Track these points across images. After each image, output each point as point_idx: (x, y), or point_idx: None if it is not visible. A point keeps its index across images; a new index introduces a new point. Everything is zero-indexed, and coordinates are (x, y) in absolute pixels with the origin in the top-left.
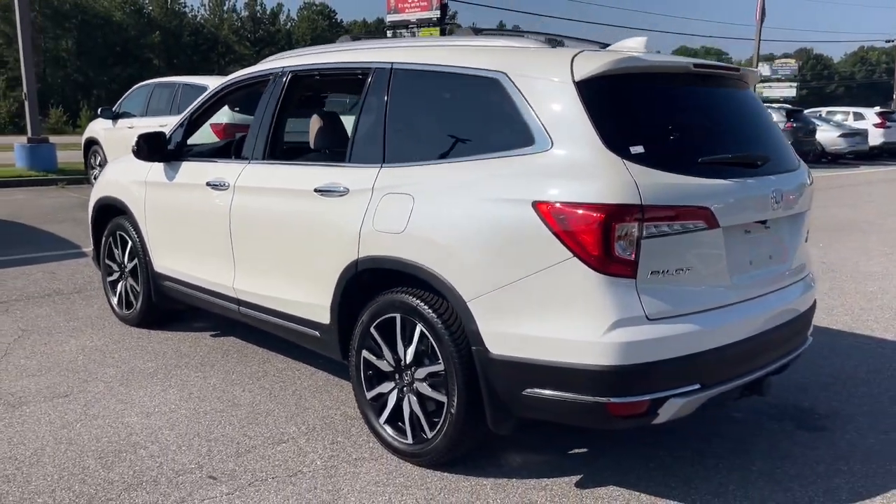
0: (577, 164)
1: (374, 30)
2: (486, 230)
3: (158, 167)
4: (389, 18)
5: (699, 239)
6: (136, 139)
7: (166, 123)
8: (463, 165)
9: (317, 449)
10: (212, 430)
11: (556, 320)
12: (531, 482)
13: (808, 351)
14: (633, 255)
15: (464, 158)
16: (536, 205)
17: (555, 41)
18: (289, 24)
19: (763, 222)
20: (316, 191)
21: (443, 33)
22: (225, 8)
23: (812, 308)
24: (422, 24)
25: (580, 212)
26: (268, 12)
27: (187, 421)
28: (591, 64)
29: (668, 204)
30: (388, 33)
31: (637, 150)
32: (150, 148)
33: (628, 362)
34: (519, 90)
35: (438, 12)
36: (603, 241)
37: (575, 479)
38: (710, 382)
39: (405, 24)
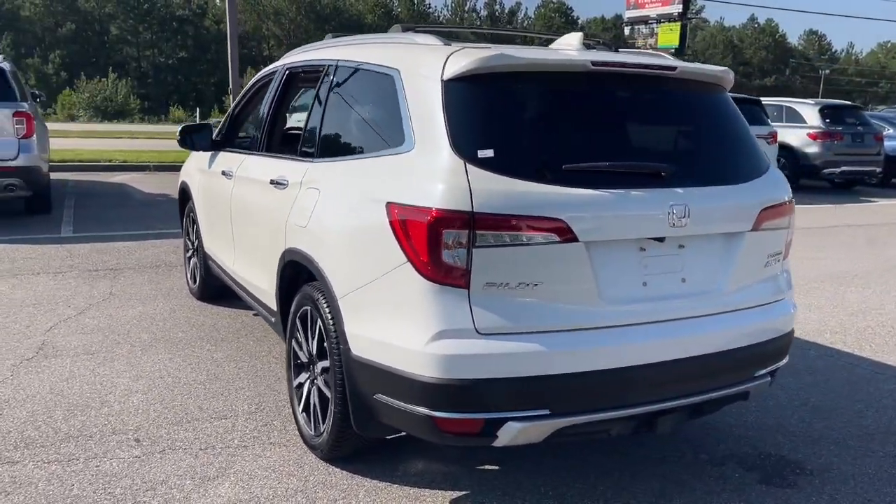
0: (426, 166)
1: (558, 27)
2: (354, 229)
3: (206, 156)
4: (628, 15)
5: (551, 253)
6: (179, 130)
7: None
8: (355, 163)
9: (246, 428)
10: (175, 399)
11: (393, 326)
12: (412, 492)
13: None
14: (465, 265)
15: (358, 156)
16: (388, 206)
17: (447, 39)
18: (525, 22)
19: (660, 239)
20: (270, 182)
21: (684, 30)
22: (466, 7)
23: (767, 343)
24: (662, 19)
25: (414, 216)
26: (506, 11)
27: (163, 388)
28: (461, 62)
29: (508, 213)
30: (626, 30)
31: (485, 154)
32: (189, 138)
33: (451, 376)
34: (403, 87)
35: (680, 7)
36: (431, 247)
37: (458, 495)
38: (564, 410)
39: (644, 20)
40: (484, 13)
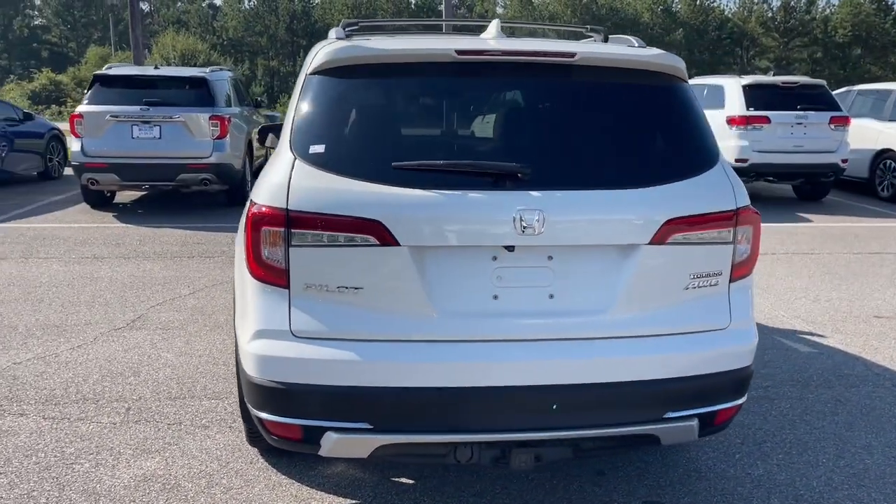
0: (275, 161)
1: None
2: (241, 227)
3: None
4: None
5: (371, 256)
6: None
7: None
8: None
9: (215, 410)
10: (193, 377)
11: (242, 323)
12: (308, 493)
13: None
14: (284, 264)
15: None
16: (249, 202)
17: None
18: (827, 10)
19: (510, 248)
20: None
21: None
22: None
23: (688, 380)
24: None
25: (250, 212)
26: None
27: (193, 367)
28: (320, 56)
29: (323, 212)
30: None
31: (316, 149)
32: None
33: (267, 378)
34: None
35: None
36: (254, 244)
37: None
38: (388, 427)
39: None
40: (776, 3)
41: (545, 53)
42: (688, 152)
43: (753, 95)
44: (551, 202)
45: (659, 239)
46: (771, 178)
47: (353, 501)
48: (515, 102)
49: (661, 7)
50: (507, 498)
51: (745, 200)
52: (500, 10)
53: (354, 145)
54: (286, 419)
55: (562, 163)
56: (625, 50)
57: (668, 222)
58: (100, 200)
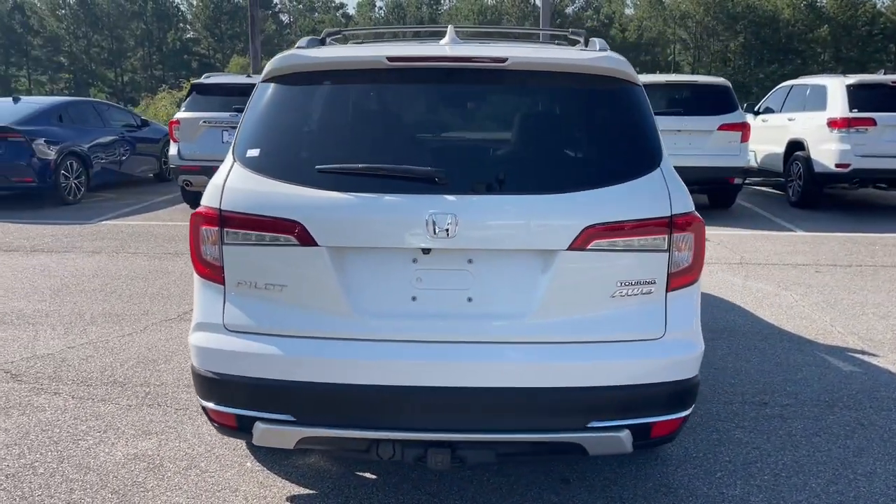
0: (222, 165)
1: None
2: None
3: None
4: None
5: (293, 255)
6: None
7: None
8: None
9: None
10: None
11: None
12: (273, 480)
13: None
14: (219, 262)
15: None
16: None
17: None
18: None
19: (426, 251)
20: None
21: None
22: None
23: (616, 389)
24: None
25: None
26: None
27: None
28: (269, 63)
29: (250, 212)
30: None
31: (252, 153)
32: None
33: (205, 368)
34: None
35: None
36: (194, 242)
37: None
38: (310, 420)
39: None
40: None
41: (475, 59)
42: (620, 157)
43: (858, 96)
44: (465, 206)
45: (579, 245)
46: (882, 185)
47: (312, 491)
48: (444, 107)
49: (805, 2)
50: (461, 500)
51: (683, 207)
52: (628, 12)
53: (285, 149)
54: (223, 408)
55: (482, 167)
56: (562, 54)
57: (588, 228)
58: (197, 200)
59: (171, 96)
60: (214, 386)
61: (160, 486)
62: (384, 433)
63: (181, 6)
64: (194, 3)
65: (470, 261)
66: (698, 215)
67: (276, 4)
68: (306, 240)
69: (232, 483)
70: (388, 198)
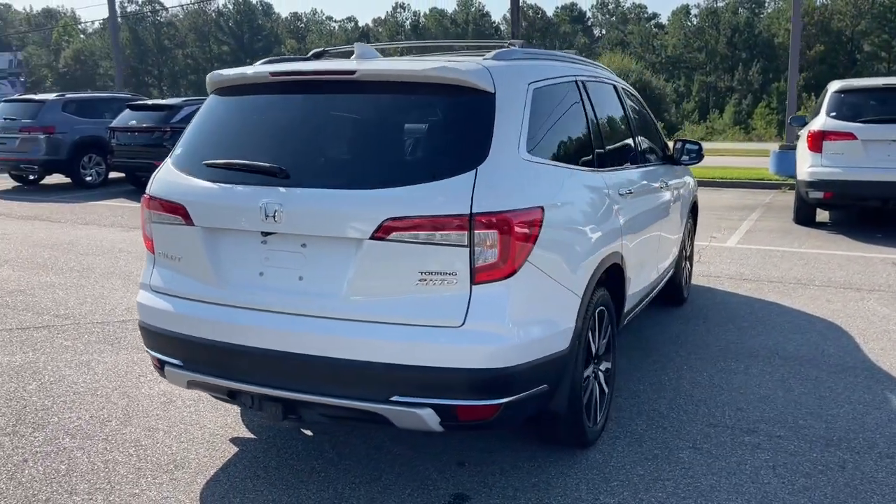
0: None
1: None
2: None
3: None
4: None
5: (180, 232)
6: None
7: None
8: None
9: None
10: None
11: None
12: (203, 425)
13: None
14: (151, 237)
15: None
16: None
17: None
18: None
19: (267, 234)
20: None
21: None
22: None
23: (415, 369)
24: None
25: None
26: None
27: None
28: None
29: (160, 197)
30: None
31: (175, 152)
32: None
33: (143, 320)
34: None
35: None
36: (142, 221)
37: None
38: (191, 366)
39: None
40: None
41: (333, 72)
42: (434, 158)
43: None
44: (292, 197)
45: (380, 236)
46: None
47: (226, 447)
48: (307, 113)
49: None
50: (338, 471)
51: (488, 207)
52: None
53: (193, 148)
54: (152, 352)
55: (312, 164)
56: (406, 65)
57: (387, 221)
58: None
59: None
60: (144, 334)
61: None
62: (237, 384)
63: (501, 26)
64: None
65: (303, 245)
66: (511, 216)
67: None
68: (188, 220)
69: (187, 419)
70: (239, 188)
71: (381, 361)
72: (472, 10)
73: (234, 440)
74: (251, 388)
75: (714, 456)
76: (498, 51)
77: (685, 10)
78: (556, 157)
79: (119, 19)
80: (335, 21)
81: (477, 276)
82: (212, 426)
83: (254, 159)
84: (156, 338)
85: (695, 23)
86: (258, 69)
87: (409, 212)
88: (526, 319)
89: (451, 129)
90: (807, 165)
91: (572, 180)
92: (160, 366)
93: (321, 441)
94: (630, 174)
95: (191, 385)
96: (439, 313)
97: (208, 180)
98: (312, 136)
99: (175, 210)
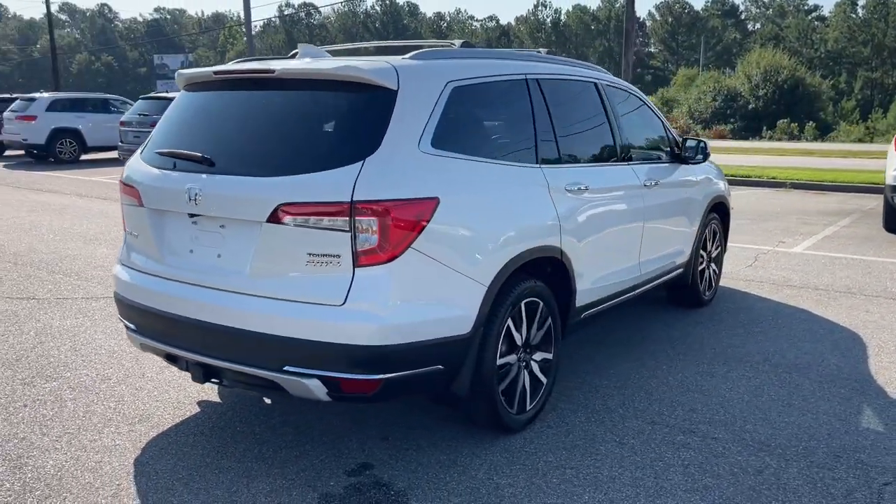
0: None
1: None
2: None
3: None
4: None
5: (137, 213)
6: None
7: None
8: None
9: None
10: None
11: None
12: (171, 391)
13: None
14: (123, 218)
15: None
16: None
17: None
18: None
19: (193, 215)
20: None
21: None
22: None
23: (303, 342)
24: None
25: None
26: None
27: None
28: None
29: (124, 182)
30: None
31: (144, 144)
32: None
33: (115, 290)
34: None
35: None
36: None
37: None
38: (141, 331)
39: None
40: None
41: (258, 71)
42: (332, 149)
43: None
44: (210, 182)
45: (274, 219)
46: None
47: (191, 409)
48: (236, 108)
49: None
50: (273, 435)
51: (368, 195)
52: None
53: (156, 138)
54: (121, 319)
55: (234, 154)
56: (319, 64)
57: (281, 206)
58: None
59: None
60: (115, 303)
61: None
62: (173, 349)
63: (646, 21)
64: (657, 17)
65: (222, 226)
66: (391, 205)
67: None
68: (140, 202)
69: (153, 383)
70: (174, 174)
71: (275, 334)
72: (616, 6)
73: (200, 403)
74: (182, 352)
75: (634, 451)
76: (421, 51)
77: (851, 1)
78: (473, 152)
79: (277, 21)
80: (477, 20)
81: (359, 259)
82: (191, 390)
83: (192, 149)
84: (121, 306)
85: (861, 14)
86: (204, 69)
87: (299, 198)
88: (409, 302)
89: (349, 123)
90: (892, 168)
91: (489, 174)
92: (128, 334)
93: (273, 409)
94: (591, 171)
95: (143, 348)
96: (325, 293)
97: (156, 167)
98: (237, 129)
99: (133, 193)
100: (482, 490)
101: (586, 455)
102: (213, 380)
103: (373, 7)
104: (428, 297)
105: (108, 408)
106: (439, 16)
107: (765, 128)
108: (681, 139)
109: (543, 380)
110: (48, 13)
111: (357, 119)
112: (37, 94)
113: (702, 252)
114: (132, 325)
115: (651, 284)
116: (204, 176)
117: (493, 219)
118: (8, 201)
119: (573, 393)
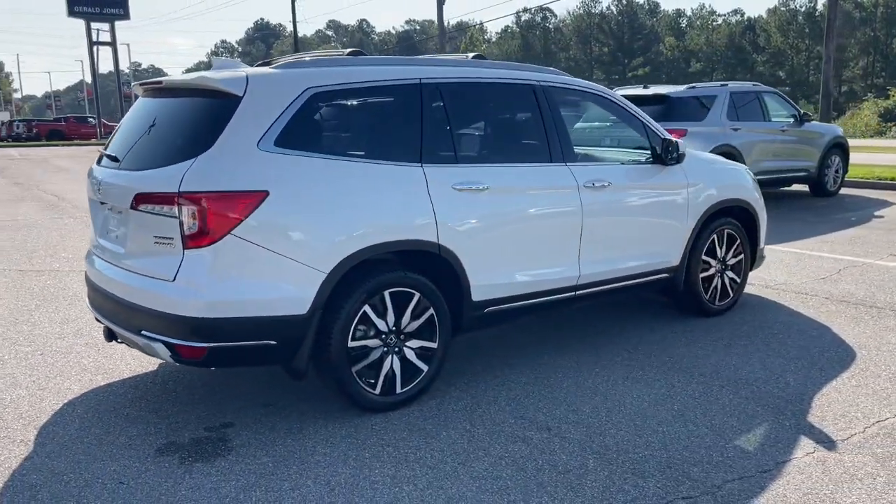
0: None
1: None
2: None
3: None
4: None
5: (90, 202)
6: None
7: None
8: None
9: None
10: None
11: None
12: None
13: None
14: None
15: None
16: None
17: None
18: None
19: (103, 203)
20: None
21: None
22: None
23: (150, 311)
24: None
25: None
26: None
27: None
28: None
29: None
30: None
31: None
32: None
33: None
34: None
35: None
36: None
37: None
38: (91, 305)
39: None
40: None
41: (154, 82)
42: (180, 148)
43: None
44: (107, 176)
45: (135, 207)
46: None
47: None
48: (145, 113)
49: None
50: (173, 396)
51: (191, 187)
52: None
53: (111, 141)
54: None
55: (131, 153)
56: (187, 76)
57: (137, 196)
58: None
59: (875, 105)
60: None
61: None
62: (97, 314)
63: None
64: None
65: (120, 212)
66: (207, 196)
67: None
68: (89, 195)
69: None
70: (98, 169)
71: (135, 303)
72: None
73: (156, 362)
74: (99, 316)
75: (472, 439)
76: (288, 61)
77: None
78: (327, 151)
79: (516, 28)
80: (720, 15)
81: (187, 242)
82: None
83: (120, 148)
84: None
85: None
86: (140, 82)
87: (147, 189)
88: (232, 280)
89: (196, 125)
90: None
91: (339, 171)
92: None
93: (204, 377)
94: (499, 171)
95: (98, 321)
96: (163, 270)
97: (98, 164)
98: (140, 131)
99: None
100: (297, 455)
101: (417, 437)
102: (116, 340)
103: (608, 8)
104: (253, 279)
105: (70, 362)
106: (678, 12)
107: None
108: (663, 141)
109: (423, 367)
110: (294, 30)
111: (202, 121)
112: None
113: (708, 259)
114: (88, 299)
115: (609, 286)
116: (109, 171)
117: (336, 212)
118: None
119: (473, 384)
